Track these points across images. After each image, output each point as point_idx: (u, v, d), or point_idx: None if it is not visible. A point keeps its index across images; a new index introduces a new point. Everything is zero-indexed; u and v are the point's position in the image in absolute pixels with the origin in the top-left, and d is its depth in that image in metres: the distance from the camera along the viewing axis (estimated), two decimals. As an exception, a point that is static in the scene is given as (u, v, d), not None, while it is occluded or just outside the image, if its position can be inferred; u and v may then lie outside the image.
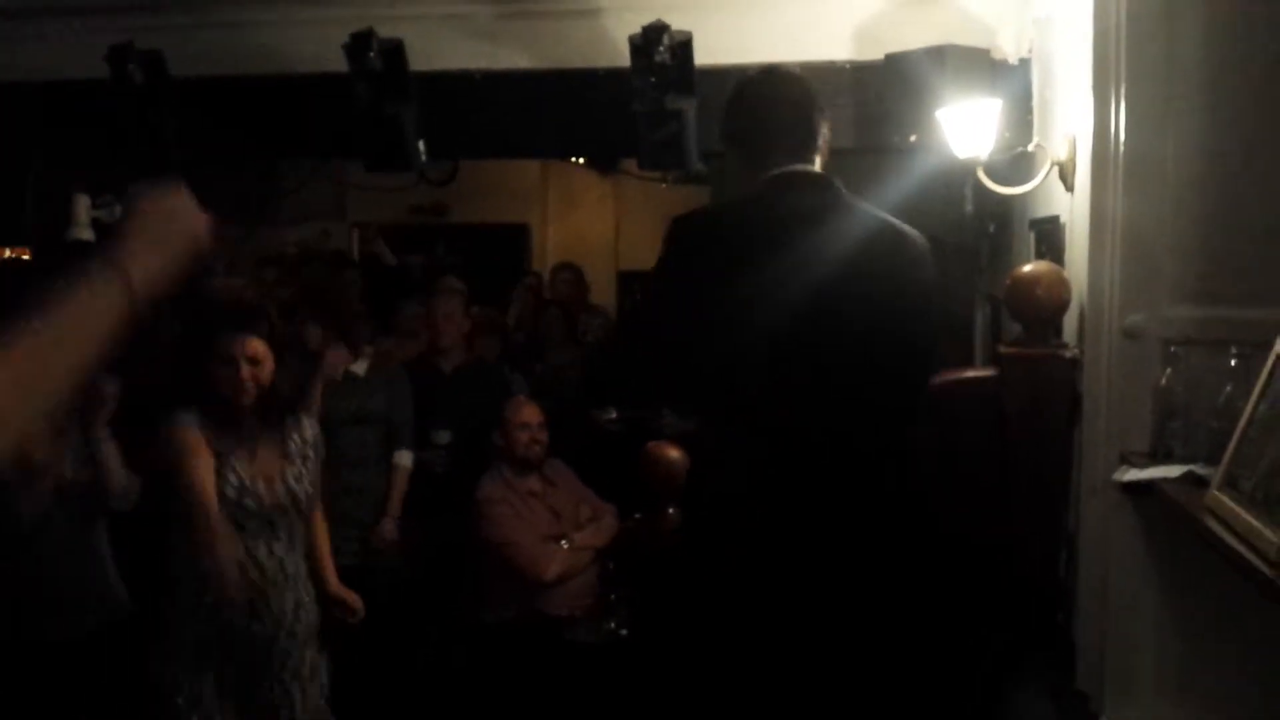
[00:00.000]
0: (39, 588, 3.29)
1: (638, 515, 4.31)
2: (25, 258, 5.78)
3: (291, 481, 3.04)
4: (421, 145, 3.96)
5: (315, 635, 3.14)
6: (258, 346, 3.00)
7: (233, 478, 2.96)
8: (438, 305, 4.71)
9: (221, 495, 2.93)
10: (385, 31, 3.76)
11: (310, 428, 3.18)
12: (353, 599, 3.29)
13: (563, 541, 4.18)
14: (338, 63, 3.78)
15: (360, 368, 4.37)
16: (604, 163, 8.18)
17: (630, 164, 7.25)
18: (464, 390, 4.60)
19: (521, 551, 4.08)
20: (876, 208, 2.56)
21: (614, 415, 4.94)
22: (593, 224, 9.00)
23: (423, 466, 4.36)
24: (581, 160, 8.21)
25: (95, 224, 4.23)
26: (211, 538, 2.83)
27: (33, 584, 3.27)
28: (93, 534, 3.44)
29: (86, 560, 3.41)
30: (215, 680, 2.97)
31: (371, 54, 3.73)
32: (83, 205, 4.21)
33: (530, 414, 4.29)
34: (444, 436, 4.47)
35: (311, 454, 3.14)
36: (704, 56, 3.65)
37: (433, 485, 4.37)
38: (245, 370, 2.96)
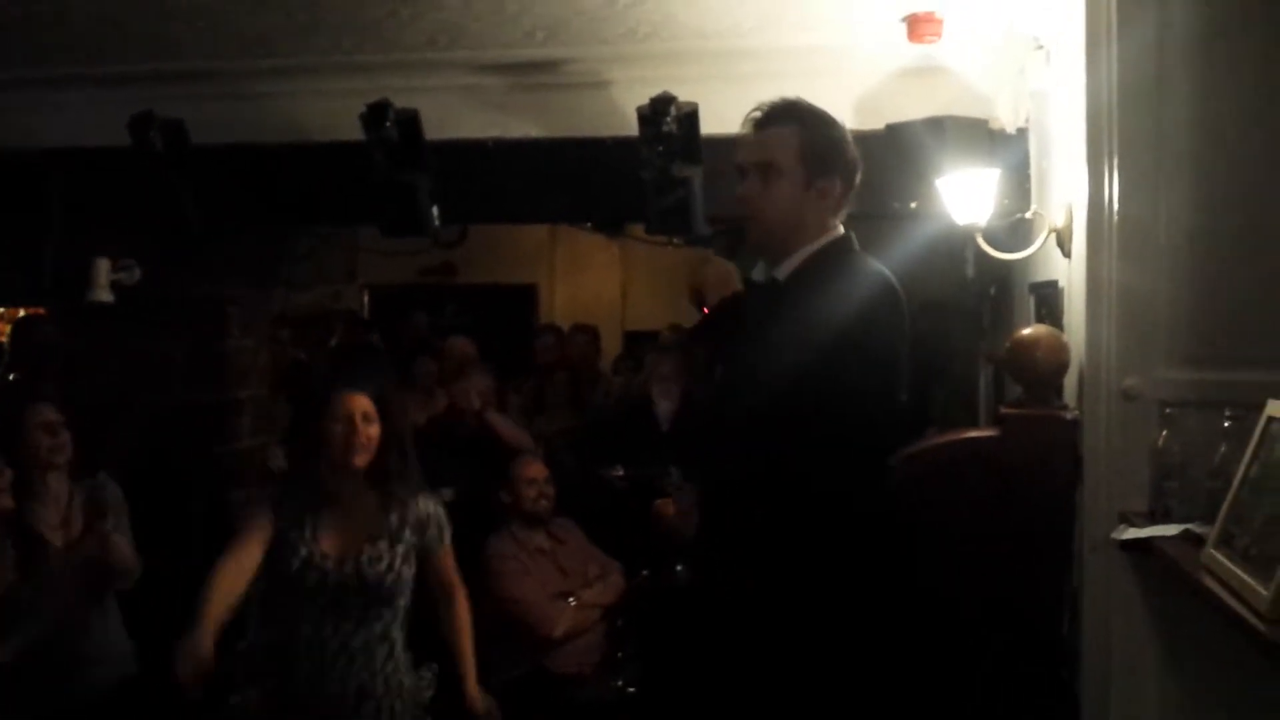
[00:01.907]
0: (52, 658, 3.35)
1: (645, 572, 4.35)
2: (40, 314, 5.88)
3: (365, 562, 2.88)
4: (435, 211, 4.05)
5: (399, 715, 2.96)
6: (367, 405, 2.91)
7: (302, 550, 2.87)
8: (472, 380, 4.78)
9: (285, 568, 2.87)
10: (401, 102, 3.86)
11: (424, 507, 3.02)
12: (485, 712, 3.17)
13: (570, 599, 4.21)
14: (354, 132, 3.87)
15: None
16: (611, 224, 8.30)
17: (636, 226, 7.39)
18: (475, 453, 4.66)
19: (530, 609, 4.12)
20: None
21: (620, 473, 4.98)
22: (600, 285, 9.10)
23: None
24: (588, 223, 8.33)
25: (114, 286, 4.32)
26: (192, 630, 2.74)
27: (46, 655, 3.33)
28: (105, 603, 3.54)
29: (98, 627, 3.50)
30: None
31: (388, 124, 3.83)
32: (103, 268, 4.30)
33: (536, 470, 4.35)
34: (447, 494, 4.53)
35: (409, 535, 2.97)
36: (710, 126, 3.74)
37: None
38: (360, 428, 2.87)
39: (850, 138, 2.58)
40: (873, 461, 2.53)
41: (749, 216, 2.52)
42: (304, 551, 2.87)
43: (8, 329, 7.19)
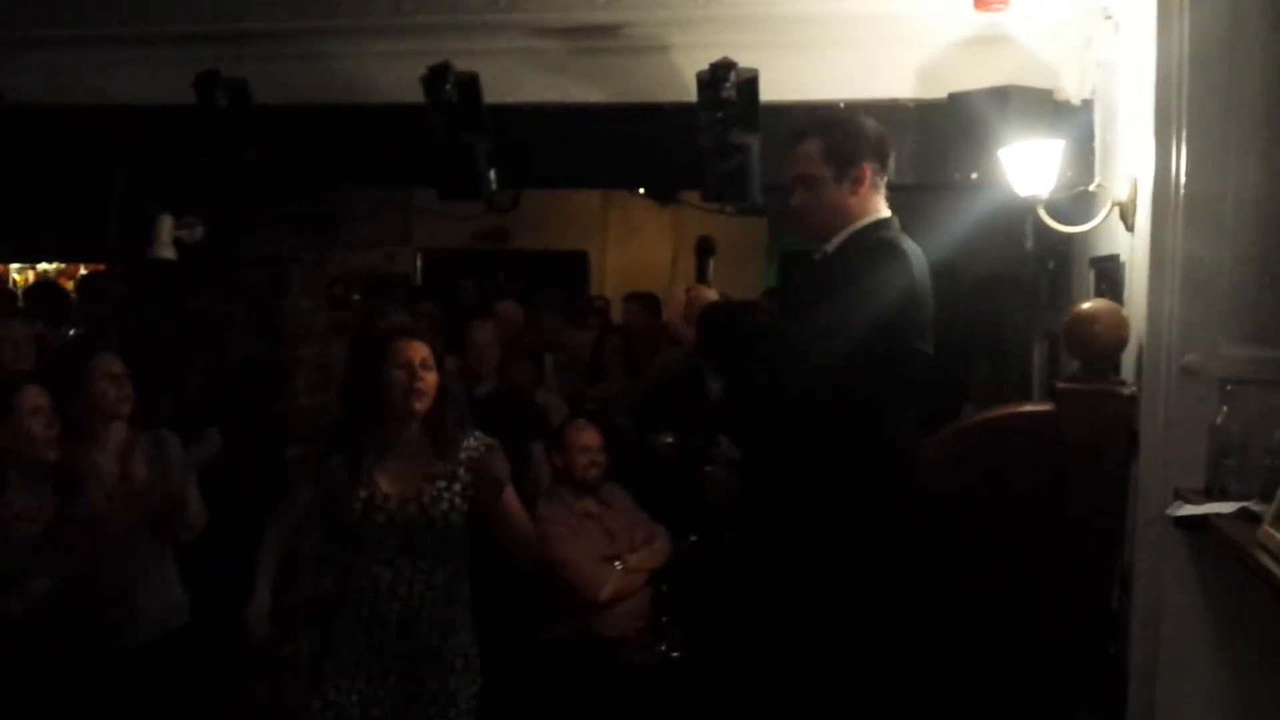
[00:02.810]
0: (112, 602, 3.47)
1: (693, 538, 4.37)
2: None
3: (428, 501, 2.97)
4: (492, 174, 4.06)
5: (472, 663, 3.07)
6: (425, 352, 3.00)
7: (362, 493, 2.95)
8: (475, 333, 4.79)
9: (347, 515, 2.96)
10: (461, 65, 3.86)
11: (476, 445, 3.09)
12: None
13: (616, 563, 4.24)
14: (414, 94, 3.89)
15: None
16: (663, 192, 8.29)
17: (688, 194, 7.37)
18: (493, 417, 4.67)
19: (578, 571, 4.15)
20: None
21: (670, 440, 5.00)
22: (651, 252, 9.10)
23: None
24: (641, 190, 8.32)
25: (177, 244, 4.39)
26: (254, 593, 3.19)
27: (103, 601, 3.45)
28: (163, 553, 3.64)
29: (155, 577, 3.60)
30: (365, 693, 2.97)
31: (448, 86, 3.83)
32: (166, 226, 4.36)
33: (590, 438, 4.36)
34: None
35: (464, 474, 3.03)
36: (769, 93, 3.72)
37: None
38: (419, 374, 2.96)
39: (868, 122, 2.95)
40: (883, 424, 2.79)
41: (802, 220, 2.97)
42: (364, 494, 2.95)
43: (70, 285, 7.37)
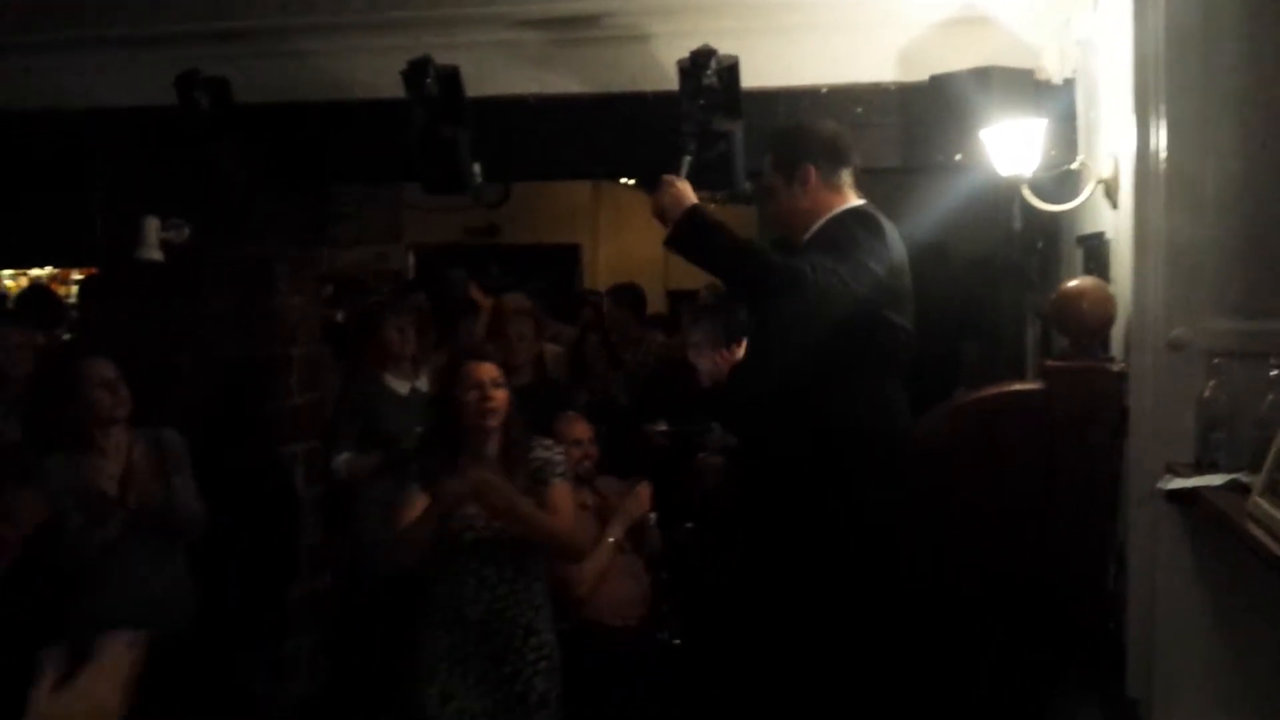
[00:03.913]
0: (108, 603, 3.44)
1: (689, 525, 4.37)
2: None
3: None
4: (477, 168, 4.04)
5: (555, 666, 3.25)
6: (495, 372, 3.20)
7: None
8: (512, 328, 4.80)
9: (441, 529, 3.11)
10: (442, 58, 3.84)
11: (540, 453, 3.28)
12: None
13: (610, 539, 4.14)
14: (395, 89, 3.87)
15: (423, 384, 4.48)
16: (653, 183, 8.27)
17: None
18: (528, 408, 4.68)
19: (559, 570, 4.08)
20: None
21: (663, 428, 5.00)
22: (643, 244, 9.08)
23: None
24: (632, 181, 8.31)
25: (164, 245, 4.37)
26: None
27: (102, 600, 3.42)
28: (168, 554, 3.61)
29: (157, 577, 3.57)
30: (446, 688, 3.15)
31: (428, 80, 3.81)
32: (152, 227, 4.34)
33: (581, 430, 4.35)
34: None
35: (528, 482, 3.21)
36: (751, 80, 3.71)
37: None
38: (490, 392, 3.16)
39: (821, 125, 3.18)
40: (861, 394, 2.88)
41: (777, 226, 3.28)
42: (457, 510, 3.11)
43: (64, 290, 7.36)
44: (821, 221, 3.02)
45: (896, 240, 2.96)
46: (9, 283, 7.98)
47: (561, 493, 3.27)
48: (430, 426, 3.35)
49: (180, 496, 3.54)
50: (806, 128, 3.18)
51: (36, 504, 3.25)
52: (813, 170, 3.04)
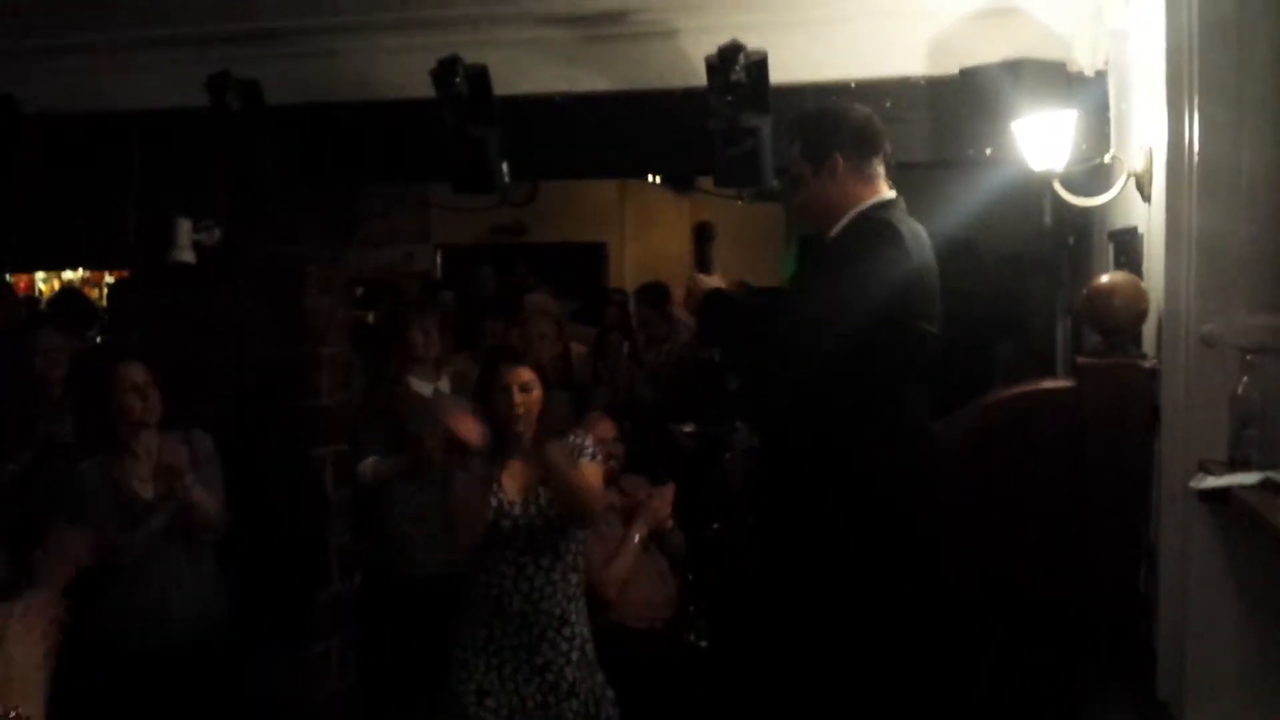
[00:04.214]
0: (141, 604, 3.52)
1: (715, 526, 4.36)
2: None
3: (545, 504, 3.29)
4: (505, 167, 4.06)
5: (589, 658, 3.37)
6: (527, 375, 3.31)
7: (493, 500, 3.28)
8: (532, 326, 4.81)
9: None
10: (470, 58, 3.85)
11: (572, 440, 3.39)
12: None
13: (635, 538, 4.14)
14: (424, 88, 3.88)
15: (445, 385, 4.50)
16: (680, 181, 8.27)
17: (706, 181, 7.35)
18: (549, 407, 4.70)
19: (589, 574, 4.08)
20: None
21: (689, 429, 5.00)
22: (669, 241, 9.10)
23: None
24: (658, 179, 8.31)
25: (196, 246, 4.41)
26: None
27: (139, 603, 3.51)
28: (200, 558, 3.65)
29: (189, 578, 3.62)
30: (482, 684, 3.27)
31: (457, 79, 3.82)
32: (185, 229, 4.37)
33: (605, 429, 4.34)
34: None
35: None
36: (779, 75, 3.69)
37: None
38: (518, 396, 3.28)
39: (850, 111, 3.03)
40: (889, 405, 2.82)
41: (803, 217, 3.16)
42: (494, 501, 3.27)
43: (95, 293, 7.44)
44: (846, 220, 2.93)
45: (919, 244, 2.87)
46: (41, 285, 8.08)
47: (590, 468, 3.39)
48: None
49: (203, 497, 3.56)
50: (835, 112, 3.05)
51: (82, 542, 3.27)
52: (840, 160, 2.93)
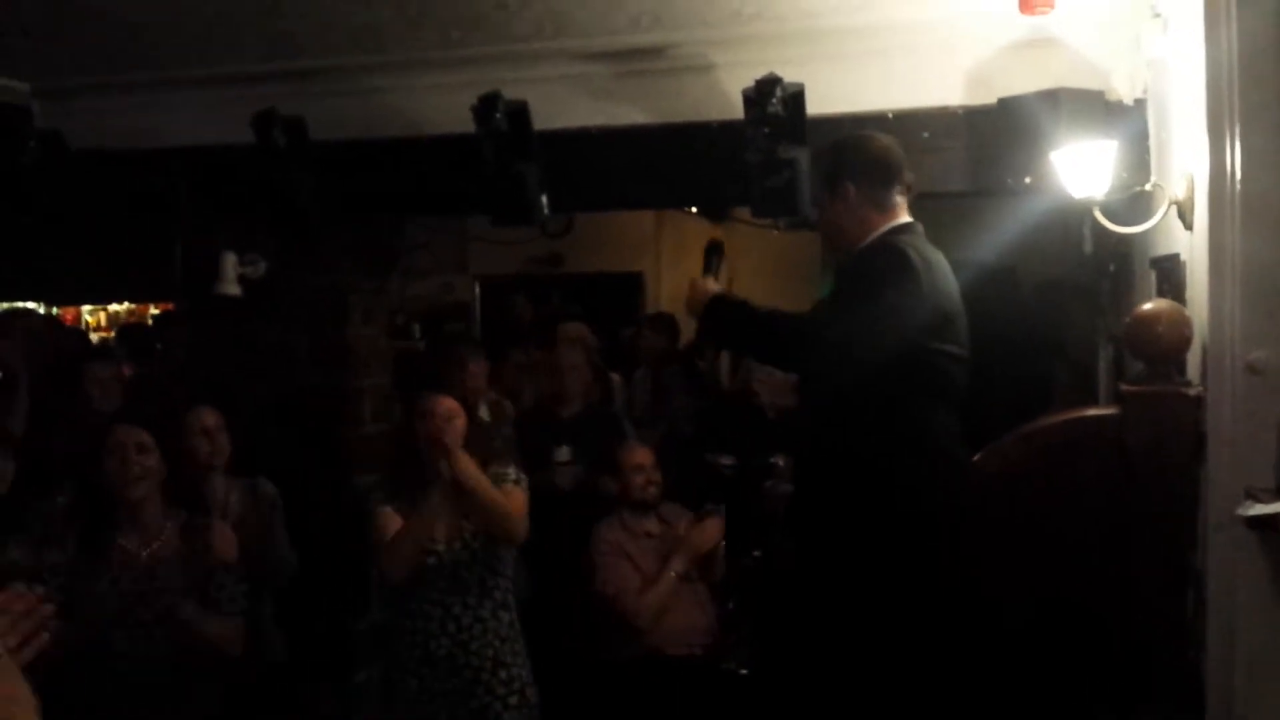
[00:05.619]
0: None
1: (756, 554, 4.35)
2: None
3: (469, 538, 3.17)
4: (544, 200, 4.11)
5: (530, 702, 3.24)
6: (449, 404, 3.20)
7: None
8: (563, 355, 4.84)
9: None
10: (510, 93, 3.92)
11: (498, 472, 3.29)
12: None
13: (673, 571, 4.14)
14: (465, 124, 3.95)
15: (485, 414, 4.53)
16: (716, 211, 8.29)
17: (741, 210, 7.37)
18: (580, 435, 4.72)
19: (619, 601, 4.07)
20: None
21: (729, 461, 5.00)
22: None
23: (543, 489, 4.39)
24: (694, 209, 8.33)
25: (241, 280, 4.48)
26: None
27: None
28: (260, 597, 3.67)
29: (253, 617, 3.62)
30: None
31: (498, 115, 3.89)
32: (230, 262, 4.46)
33: (643, 456, 4.36)
34: (564, 453, 4.60)
35: None
36: (816, 106, 3.73)
37: (555, 506, 4.37)
38: (438, 425, 3.15)
39: (868, 141, 3.07)
40: (907, 424, 2.85)
41: (825, 241, 3.27)
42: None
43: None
44: (867, 241, 2.99)
45: (937, 269, 2.90)
46: (88, 317, 8.21)
47: (514, 493, 3.29)
48: (394, 452, 3.41)
49: (277, 546, 3.59)
50: (852, 142, 3.11)
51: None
52: (851, 188, 2.99)
